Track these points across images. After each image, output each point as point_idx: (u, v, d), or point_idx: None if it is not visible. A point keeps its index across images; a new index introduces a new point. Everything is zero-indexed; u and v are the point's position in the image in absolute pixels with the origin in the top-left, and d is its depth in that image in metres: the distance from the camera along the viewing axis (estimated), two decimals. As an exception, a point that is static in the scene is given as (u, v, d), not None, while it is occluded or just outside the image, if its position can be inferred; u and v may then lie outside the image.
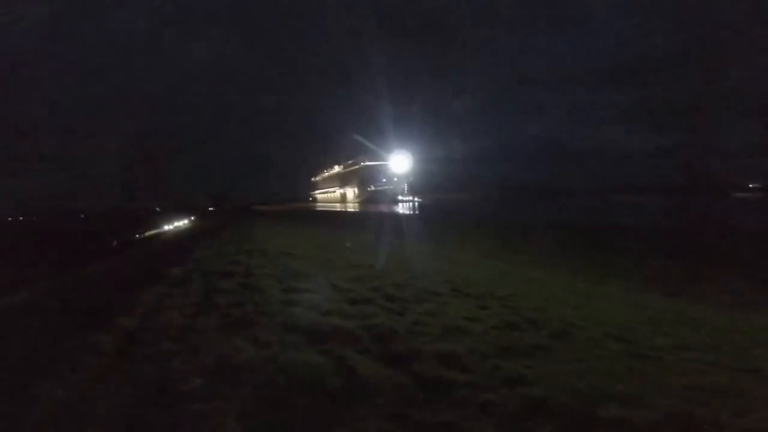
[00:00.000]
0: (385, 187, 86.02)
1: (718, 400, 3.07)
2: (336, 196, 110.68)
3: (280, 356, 3.56)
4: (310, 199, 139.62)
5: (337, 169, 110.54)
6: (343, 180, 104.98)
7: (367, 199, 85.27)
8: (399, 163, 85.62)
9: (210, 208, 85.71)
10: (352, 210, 67.48)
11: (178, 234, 29.19)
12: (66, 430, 2.67)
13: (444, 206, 69.66)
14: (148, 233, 30.73)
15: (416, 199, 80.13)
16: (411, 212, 54.90)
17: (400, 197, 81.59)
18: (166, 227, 36.06)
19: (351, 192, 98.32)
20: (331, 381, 3.15)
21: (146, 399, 2.97)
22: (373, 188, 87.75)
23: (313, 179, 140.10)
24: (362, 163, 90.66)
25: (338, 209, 72.45)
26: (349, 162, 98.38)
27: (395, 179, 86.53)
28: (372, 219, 38.18)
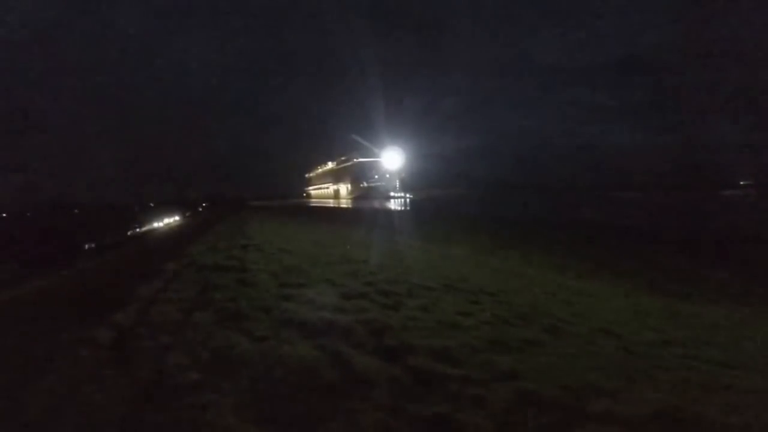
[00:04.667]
0: (378, 184, 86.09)
1: (705, 395, 3.14)
2: (329, 192, 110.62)
3: (276, 350, 3.58)
4: (304, 195, 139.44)
5: (330, 165, 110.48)
6: (336, 176, 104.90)
7: (359, 195, 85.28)
8: (391, 159, 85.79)
9: (204, 204, 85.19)
10: (345, 206, 67.32)
11: (173, 229, 29.00)
12: (63, 424, 2.68)
13: (436, 203, 69.74)
14: (142, 228, 30.57)
15: (408, 195, 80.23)
16: (403, 209, 54.88)
17: (392, 194, 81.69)
18: (161, 222, 35.90)
19: (344, 188, 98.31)
20: (326, 374, 3.18)
21: (143, 393, 2.98)
22: (365, 185, 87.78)
23: (306, 175, 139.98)
24: (355, 160, 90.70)
25: (332, 205, 72.28)
26: (342, 158, 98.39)
27: (387, 176, 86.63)
28: (365, 215, 38.17)
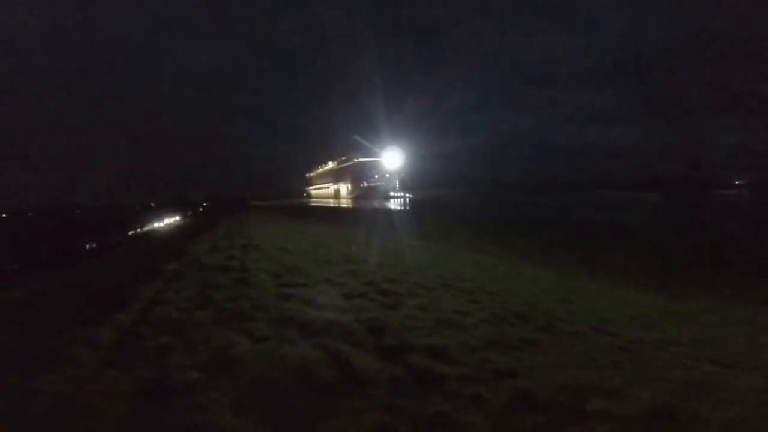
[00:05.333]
0: (378, 184, 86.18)
1: (700, 394, 3.15)
2: (329, 192, 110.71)
3: (276, 350, 3.59)
4: (304, 195, 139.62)
5: (330, 165, 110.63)
6: (336, 176, 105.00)
7: (360, 195, 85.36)
8: (391, 159, 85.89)
9: (204, 204, 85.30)
10: (345, 206, 67.27)
11: (174, 229, 29.02)
12: (64, 423, 2.69)
13: (435, 202, 69.81)
14: (143, 228, 30.64)
15: (408, 195, 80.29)
16: (403, 208, 54.87)
17: (392, 193, 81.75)
18: (162, 222, 35.99)
19: (344, 188, 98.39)
20: (326, 373, 3.20)
21: (144, 392, 3.00)
22: (365, 184, 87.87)
23: (307, 175, 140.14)
24: (355, 160, 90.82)
25: (332, 205, 72.23)
26: (343, 158, 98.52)
27: (387, 175, 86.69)
28: (365, 215, 38.19)
